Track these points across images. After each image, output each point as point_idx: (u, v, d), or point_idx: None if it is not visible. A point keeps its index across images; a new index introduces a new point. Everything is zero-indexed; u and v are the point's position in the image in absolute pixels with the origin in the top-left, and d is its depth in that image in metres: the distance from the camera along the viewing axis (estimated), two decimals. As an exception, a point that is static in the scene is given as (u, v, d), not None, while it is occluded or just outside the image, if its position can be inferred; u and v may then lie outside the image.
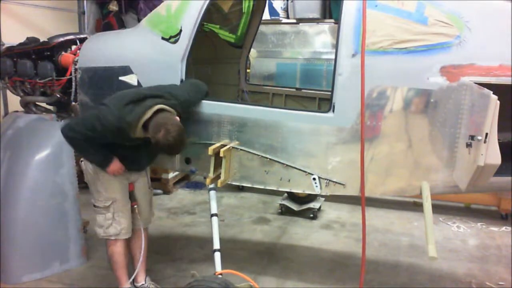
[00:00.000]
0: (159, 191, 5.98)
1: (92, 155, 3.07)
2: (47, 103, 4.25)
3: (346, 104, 2.90)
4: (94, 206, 3.29)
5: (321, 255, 4.40)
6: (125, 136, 2.90)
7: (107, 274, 3.86)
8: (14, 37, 4.70)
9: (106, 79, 3.53)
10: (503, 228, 5.11)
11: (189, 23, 3.22)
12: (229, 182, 3.30)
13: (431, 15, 2.79)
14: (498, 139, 2.40)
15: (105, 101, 2.91)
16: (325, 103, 4.29)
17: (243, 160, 3.23)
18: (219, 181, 3.14)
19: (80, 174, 3.63)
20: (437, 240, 2.90)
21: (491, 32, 2.82)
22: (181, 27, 3.24)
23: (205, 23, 4.34)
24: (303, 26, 6.10)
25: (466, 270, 4.10)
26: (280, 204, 5.44)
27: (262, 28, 5.69)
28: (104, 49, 3.71)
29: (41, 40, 4.20)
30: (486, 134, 2.37)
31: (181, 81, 3.24)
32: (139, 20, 6.40)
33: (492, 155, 2.40)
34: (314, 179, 3.10)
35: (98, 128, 2.83)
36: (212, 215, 3.21)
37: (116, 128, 2.82)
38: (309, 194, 5.21)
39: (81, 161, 3.24)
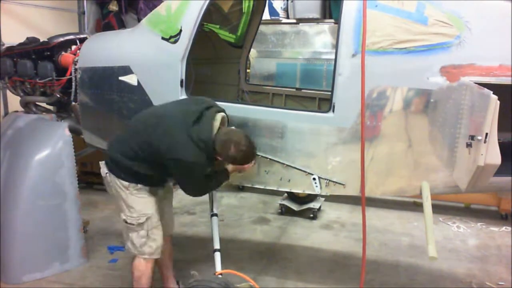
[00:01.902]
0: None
1: (216, 182, 3.04)
2: (47, 103, 4.25)
3: (346, 104, 2.90)
4: (126, 222, 3.00)
5: (321, 255, 4.40)
6: (212, 158, 2.87)
7: (107, 274, 3.86)
8: (14, 37, 4.70)
9: (106, 79, 3.52)
10: (503, 228, 5.11)
11: (189, 23, 3.22)
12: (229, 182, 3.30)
13: (431, 15, 2.79)
14: (498, 139, 2.40)
15: (174, 156, 2.75)
16: (325, 103, 4.29)
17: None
18: (219, 181, 3.15)
19: (80, 174, 3.62)
20: (437, 240, 2.89)
21: (491, 32, 2.82)
22: (181, 27, 3.24)
23: (205, 23, 4.34)
24: (303, 26, 6.10)
25: (466, 270, 4.10)
26: (280, 204, 5.44)
27: (262, 28, 5.69)
28: (104, 49, 3.71)
29: (41, 40, 4.20)
30: (486, 134, 2.37)
31: (181, 81, 3.24)
32: (139, 20, 6.40)
33: (492, 155, 2.39)
34: (314, 179, 3.10)
35: (200, 170, 2.81)
36: (212, 215, 3.22)
37: (204, 157, 2.78)
38: (309, 194, 5.21)
39: (106, 173, 2.99)
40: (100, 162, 3.07)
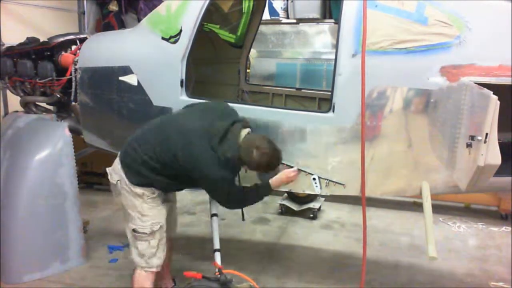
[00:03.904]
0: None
1: (256, 196, 3.00)
2: (47, 103, 4.25)
3: (346, 104, 2.90)
4: (135, 231, 2.88)
5: (321, 255, 4.40)
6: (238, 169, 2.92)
7: (107, 274, 3.86)
8: (14, 37, 4.70)
9: (106, 79, 3.52)
10: (503, 228, 5.11)
11: (189, 23, 3.22)
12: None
13: (431, 15, 2.79)
14: (498, 139, 2.40)
15: (201, 173, 2.71)
16: (325, 103, 4.29)
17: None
18: (219, 181, 3.14)
19: (80, 174, 3.62)
20: (437, 240, 2.89)
21: (491, 32, 2.82)
22: (181, 27, 3.24)
23: (205, 23, 4.34)
24: (303, 26, 6.10)
25: (466, 270, 4.10)
26: (280, 204, 5.44)
27: (262, 28, 5.69)
28: (104, 49, 3.71)
29: (41, 40, 4.20)
30: (486, 134, 2.36)
31: (181, 81, 3.23)
32: (139, 20, 6.40)
33: (492, 155, 2.39)
34: (314, 179, 3.10)
35: (228, 183, 2.79)
36: (212, 215, 3.21)
37: (230, 172, 2.79)
38: (309, 194, 5.21)
39: (118, 181, 2.89)
40: (107, 169, 2.99)
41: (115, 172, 2.92)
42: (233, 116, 2.92)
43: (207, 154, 2.67)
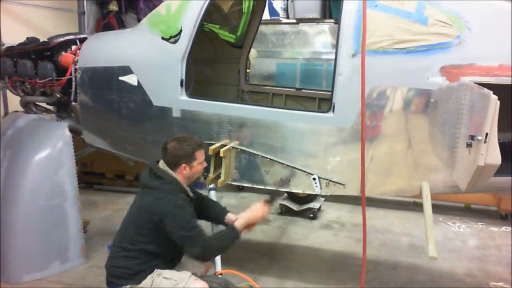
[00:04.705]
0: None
1: (224, 241, 2.64)
2: (47, 103, 4.25)
3: (346, 104, 2.90)
4: None
5: (321, 255, 4.40)
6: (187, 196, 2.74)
7: (107, 274, 3.86)
8: (14, 37, 4.70)
9: (106, 79, 3.53)
10: (503, 228, 5.11)
11: (189, 23, 3.23)
12: (229, 182, 3.30)
13: (431, 15, 2.80)
14: (498, 139, 2.40)
15: (163, 209, 2.57)
16: (325, 103, 4.29)
17: (243, 160, 3.23)
18: (219, 181, 3.15)
19: (80, 174, 3.61)
20: (437, 240, 2.89)
21: (491, 32, 2.82)
22: (181, 27, 3.24)
23: (205, 23, 4.34)
24: (303, 26, 6.10)
25: (466, 270, 4.10)
26: (280, 204, 5.44)
27: (262, 28, 5.69)
28: (104, 49, 3.71)
29: (41, 40, 4.20)
30: (486, 134, 2.37)
31: (181, 81, 3.23)
32: (139, 20, 6.41)
33: (492, 155, 2.39)
34: (314, 179, 3.10)
35: (192, 221, 2.60)
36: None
37: (183, 194, 2.68)
38: (309, 194, 5.21)
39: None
40: None
41: None
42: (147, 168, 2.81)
43: (155, 194, 2.61)
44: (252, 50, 5.09)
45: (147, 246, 2.63)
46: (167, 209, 2.57)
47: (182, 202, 2.64)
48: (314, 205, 5.33)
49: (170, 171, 2.69)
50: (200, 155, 2.73)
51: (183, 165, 2.68)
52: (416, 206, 5.60)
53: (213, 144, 3.17)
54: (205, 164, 2.81)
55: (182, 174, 2.70)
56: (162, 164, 2.73)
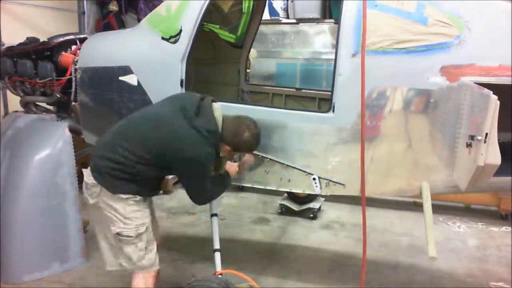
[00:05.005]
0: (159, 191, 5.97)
1: (219, 187, 2.98)
2: (47, 103, 4.25)
3: (346, 104, 2.90)
4: (121, 235, 2.72)
5: (321, 255, 4.40)
6: (217, 153, 2.82)
7: (107, 274, 3.86)
8: (14, 37, 4.70)
9: (106, 79, 3.52)
10: (503, 228, 5.11)
11: (189, 23, 3.22)
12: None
13: (431, 15, 2.79)
14: (498, 139, 2.40)
15: (186, 154, 2.65)
16: (325, 103, 4.29)
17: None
18: (219, 181, 3.14)
19: (80, 174, 3.61)
20: (437, 240, 2.89)
21: (491, 32, 2.82)
22: (181, 27, 3.24)
23: (205, 23, 4.34)
24: (303, 26, 6.10)
25: (466, 270, 4.10)
26: (280, 204, 5.44)
27: (262, 28, 5.69)
28: (104, 49, 3.71)
29: (41, 40, 4.20)
30: (486, 134, 2.37)
31: (181, 81, 3.23)
32: (139, 20, 6.40)
33: (492, 155, 2.39)
34: (314, 179, 3.10)
35: (209, 167, 2.76)
36: (212, 215, 3.21)
37: (214, 151, 2.74)
38: (309, 194, 5.21)
39: (95, 183, 2.79)
40: (83, 170, 2.85)
41: (92, 175, 2.79)
42: (199, 95, 2.89)
43: (190, 133, 2.65)
44: (252, 50, 5.09)
45: (140, 165, 2.69)
46: (194, 157, 2.64)
47: (211, 157, 2.72)
48: (314, 205, 5.33)
49: (219, 127, 2.75)
50: (243, 154, 3.06)
51: (229, 148, 2.83)
52: (416, 206, 5.60)
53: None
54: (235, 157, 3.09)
55: (224, 147, 2.83)
56: (218, 114, 2.78)
